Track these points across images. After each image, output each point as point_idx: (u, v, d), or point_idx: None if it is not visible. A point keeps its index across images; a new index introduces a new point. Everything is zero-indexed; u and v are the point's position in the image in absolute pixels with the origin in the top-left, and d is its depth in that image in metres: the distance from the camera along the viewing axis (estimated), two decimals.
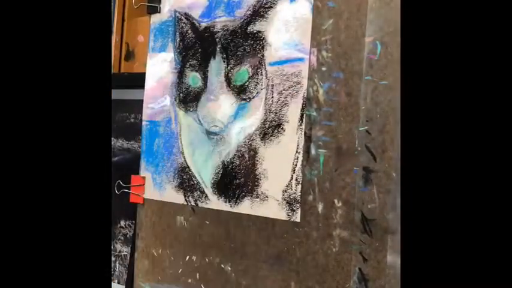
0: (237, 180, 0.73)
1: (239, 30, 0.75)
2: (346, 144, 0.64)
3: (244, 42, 0.75)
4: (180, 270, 0.80)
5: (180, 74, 0.82)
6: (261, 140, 0.72)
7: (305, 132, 0.68)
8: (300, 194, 0.68)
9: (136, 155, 0.88)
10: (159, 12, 0.85)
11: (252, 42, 0.74)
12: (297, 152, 0.68)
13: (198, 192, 0.78)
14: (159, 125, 0.84)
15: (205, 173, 0.78)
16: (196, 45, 0.80)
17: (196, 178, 0.79)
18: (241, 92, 0.75)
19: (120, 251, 0.94)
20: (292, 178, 0.69)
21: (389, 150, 0.61)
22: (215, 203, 0.77)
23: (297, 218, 0.68)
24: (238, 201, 0.74)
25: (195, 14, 0.81)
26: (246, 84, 0.74)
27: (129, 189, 0.85)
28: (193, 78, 0.80)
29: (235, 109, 0.75)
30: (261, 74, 0.73)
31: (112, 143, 0.94)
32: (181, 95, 0.81)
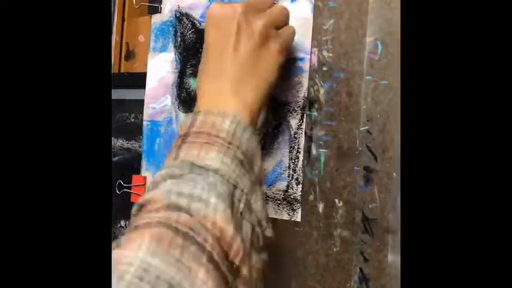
0: None
1: None
2: (347, 144, 0.64)
3: None
4: None
5: (181, 74, 0.82)
6: (261, 139, 0.72)
7: (306, 132, 0.68)
8: (300, 193, 0.68)
9: (137, 155, 0.88)
10: (160, 12, 0.85)
11: None
12: (297, 151, 0.68)
13: None
14: (160, 125, 0.84)
15: None
16: (197, 45, 0.80)
17: None
18: None
19: None
20: (292, 178, 0.69)
21: (389, 150, 0.61)
22: None
23: (298, 217, 0.68)
24: None
25: (196, 14, 0.81)
26: None
27: (130, 189, 0.85)
28: (194, 78, 0.80)
29: None
30: None
31: (112, 143, 0.94)
32: (182, 95, 0.81)
